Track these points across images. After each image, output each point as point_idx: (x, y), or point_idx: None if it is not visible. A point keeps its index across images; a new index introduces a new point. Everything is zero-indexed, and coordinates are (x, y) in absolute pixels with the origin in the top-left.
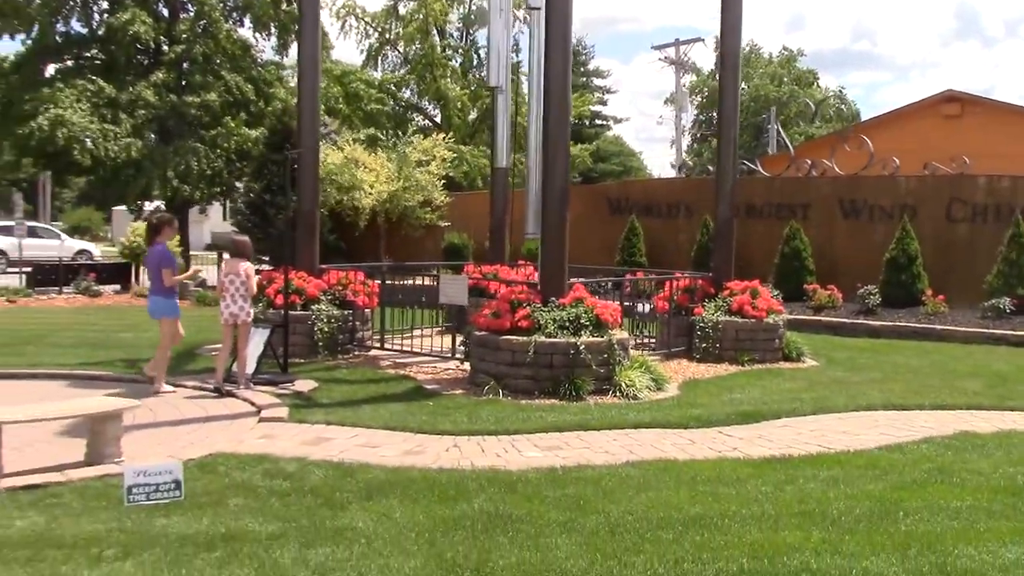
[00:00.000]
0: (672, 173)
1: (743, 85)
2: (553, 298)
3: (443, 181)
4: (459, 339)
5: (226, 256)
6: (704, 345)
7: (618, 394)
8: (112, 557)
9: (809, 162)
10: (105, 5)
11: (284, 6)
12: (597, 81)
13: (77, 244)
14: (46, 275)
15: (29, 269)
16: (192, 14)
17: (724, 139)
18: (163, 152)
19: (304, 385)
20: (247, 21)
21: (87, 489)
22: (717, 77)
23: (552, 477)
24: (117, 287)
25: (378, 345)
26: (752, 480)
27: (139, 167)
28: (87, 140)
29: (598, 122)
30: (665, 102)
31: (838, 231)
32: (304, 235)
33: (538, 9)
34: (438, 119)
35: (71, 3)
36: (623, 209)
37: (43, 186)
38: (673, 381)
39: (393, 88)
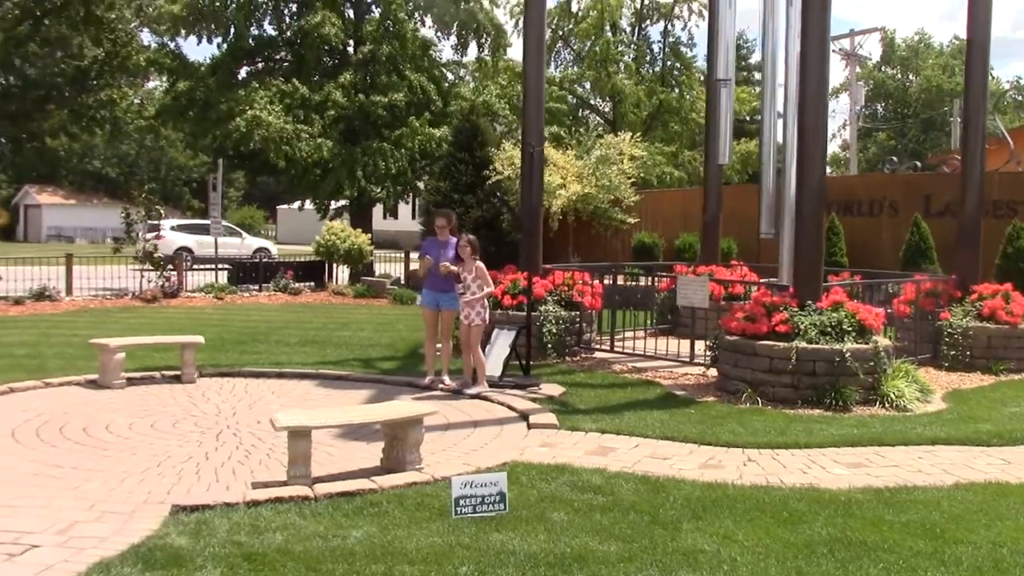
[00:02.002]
0: (830, 168)
1: (911, 77)
2: (809, 301)
3: (631, 180)
4: (701, 343)
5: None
6: (953, 352)
7: (886, 405)
8: (468, 575)
9: None
10: (295, 8)
11: (463, 5)
12: (758, 75)
13: (256, 242)
14: (246, 272)
15: (228, 267)
16: (378, 15)
17: (972, 128)
18: (351, 152)
19: (551, 389)
20: (428, 20)
21: (403, 498)
22: (964, 63)
23: (881, 499)
24: (312, 284)
25: (606, 347)
26: None
27: (328, 167)
28: (281, 141)
29: (758, 118)
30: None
31: None
32: (528, 234)
33: None
34: (609, 116)
35: (264, 6)
36: None
37: (214, 185)
38: (934, 391)
39: (570, 85)
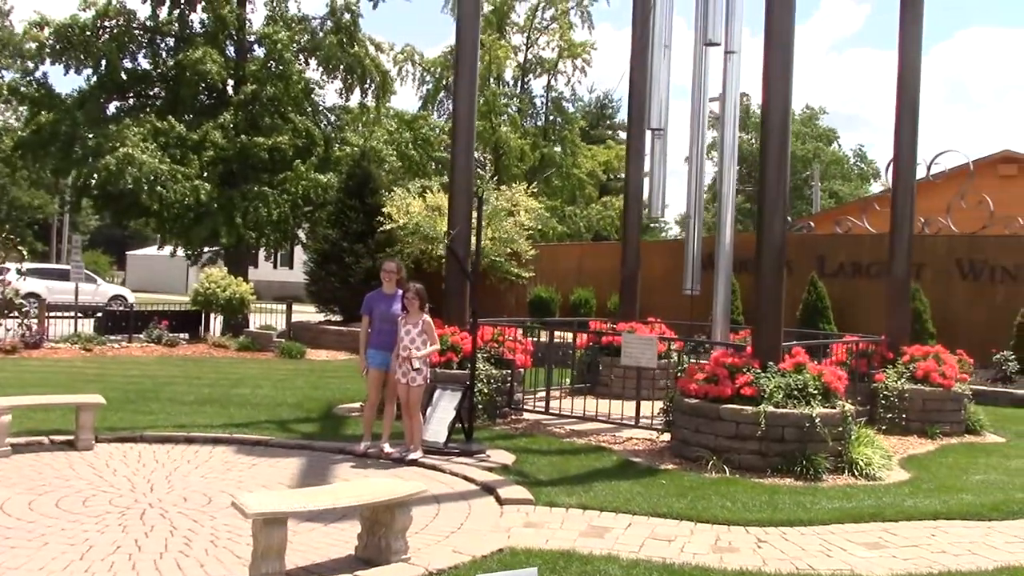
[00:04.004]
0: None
1: (750, 139)
2: (771, 362)
3: (528, 232)
4: (651, 405)
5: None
6: (889, 415)
7: (855, 473)
8: None
9: (923, 220)
10: (172, 42)
11: (350, 48)
12: (622, 134)
13: (112, 289)
14: (115, 321)
15: (83, 315)
16: (262, 54)
17: (901, 190)
18: (230, 196)
19: (501, 456)
20: (313, 63)
21: None
22: (894, 127)
23: None
24: (187, 336)
25: (539, 408)
26: None
27: (203, 211)
28: (155, 182)
29: (622, 176)
30: (685, 160)
31: (955, 292)
32: (471, 285)
33: (733, 53)
34: (491, 169)
35: (140, 38)
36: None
37: (62, 228)
38: (892, 457)
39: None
